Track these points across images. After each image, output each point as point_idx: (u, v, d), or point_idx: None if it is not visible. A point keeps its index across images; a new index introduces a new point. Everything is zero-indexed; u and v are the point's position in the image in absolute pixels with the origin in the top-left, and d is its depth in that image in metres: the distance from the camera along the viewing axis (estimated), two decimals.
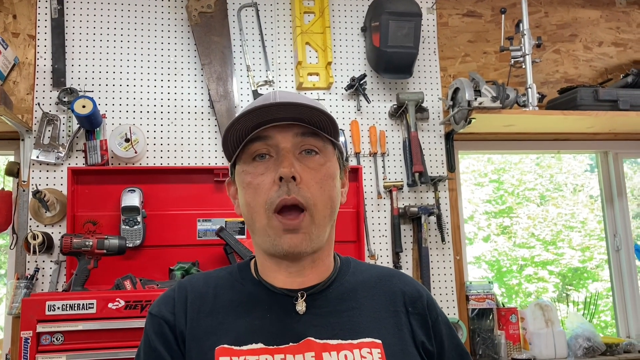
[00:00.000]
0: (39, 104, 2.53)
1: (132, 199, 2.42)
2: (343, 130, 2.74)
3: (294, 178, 0.93)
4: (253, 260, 1.06)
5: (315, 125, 0.96)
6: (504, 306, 2.79)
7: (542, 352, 2.66)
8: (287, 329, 0.95)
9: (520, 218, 6.08)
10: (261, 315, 0.97)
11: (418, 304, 1.04)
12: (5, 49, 2.48)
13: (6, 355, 2.39)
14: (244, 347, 0.92)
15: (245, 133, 0.96)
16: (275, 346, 0.93)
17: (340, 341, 0.94)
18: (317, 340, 0.93)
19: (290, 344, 0.93)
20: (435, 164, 2.82)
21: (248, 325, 0.96)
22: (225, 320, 0.97)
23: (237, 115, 0.96)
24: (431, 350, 1.02)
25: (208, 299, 1.00)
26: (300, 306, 0.97)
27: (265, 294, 0.99)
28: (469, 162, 5.43)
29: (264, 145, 0.96)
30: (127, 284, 2.15)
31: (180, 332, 0.97)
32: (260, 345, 0.93)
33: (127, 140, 2.48)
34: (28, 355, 1.86)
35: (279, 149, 0.95)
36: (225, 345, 0.93)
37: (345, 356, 0.92)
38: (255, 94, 2.69)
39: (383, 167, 2.77)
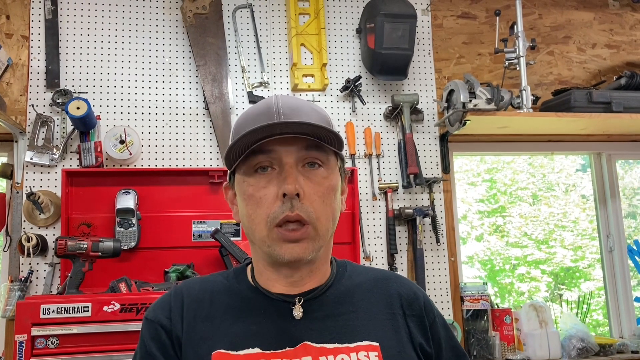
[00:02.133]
0: (32, 105, 2.52)
1: (126, 200, 2.41)
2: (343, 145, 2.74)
3: (297, 195, 0.92)
4: (249, 265, 1.06)
5: (319, 137, 0.95)
6: (498, 307, 2.80)
7: (536, 353, 2.68)
8: (284, 334, 0.95)
9: (513, 217, 6.11)
10: (258, 320, 0.97)
11: (415, 306, 1.04)
12: None
13: (0, 357, 2.38)
14: (241, 352, 0.92)
15: (248, 144, 0.94)
16: (271, 351, 0.92)
17: (337, 345, 0.94)
18: (314, 345, 0.93)
19: (287, 348, 0.93)
20: (430, 166, 2.83)
21: (245, 330, 0.95)
22: (221, 325, 0.97)
23: (239, 124, 0.95)
24: (429, 352, 1.02)
25: (204, 304, 1.00)
26: (297, 311, 0.97)
27: (261, 299, 0.99)
28: (461, 161, 5.44)
29: (266, 158, 0.94)
30: (122, 287, 2.14)
31: (176, 337, 0.97)
32: (257, 350, 0.93)
33: (121, 141, 2.47)
34: (23, 358, 1.85)
35: (283, 163, 0.94)
36: (222, 350, 0.93)
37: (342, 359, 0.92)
38: (251, 96, 2.69)
39: (378, 168, 2.77)
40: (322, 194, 0.95)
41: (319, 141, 0.95)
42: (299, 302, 0.97)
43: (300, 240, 0.93)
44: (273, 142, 0.94)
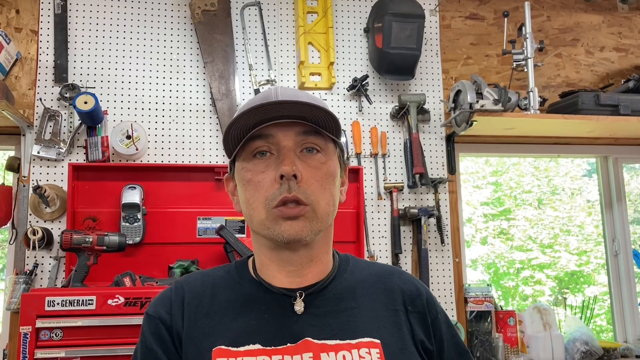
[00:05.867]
0: (40, 99, 2.53)
1: (132, 196, 2.41)
2: (344, 131, 2.75)
3: (295, 176, 0.92)
4: (251, 258, 1.06)
5: (317, 123, 0.95)
6: (502, 309, 2.79)
7: (539, 356, 2.67)
8: (285, 330, 0.94)
9: (518, 220, 6.09)
10: (259, 315, 0.96)
11: (417, 302, 1.03)
12: (8, 43, 2.47)
13: (3, 350, 2.38)
14: (241, 348, 0.92)
15: (246, 130, 0.95)
16: (272, 347, 0.92)
17: (338, 341, 0.93)
18: (315, 341, 0.93)
19: (288, 344, 0.92)
20: (435, 166, 2.83)
21: (245, 325, 0.95)
22: (222, 320, 0.96)
23: (238, 111, 0.95)
24: (431, 349, 1.01)
25: (205, 299, 0.99)
26: (299, 306, 0.96)
27: (263, 294, 0.99)
28: (466, 163, 5.43)
29: (265, 143, 0.95)
30: (127, 281, 2.14)
31: (177, 332, 0.96)
32: (257, 346, 0.92)
33: (128, 137, 2.48)
34: (27, 350, 1.85)
35: (280, 147, 0.94)
36: (223, 347, 0.92)
37: (344, 356, 0.92)
38: (257, 93, 2.69)
39: (384, 168, 2.77)
40: (321, 178, 0.95)
41: (317, 127, 0.96)
42: (300, 296, 0.97)
43: (299, 218, 0.93)
44: (271, 127, 0.94)
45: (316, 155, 0.96)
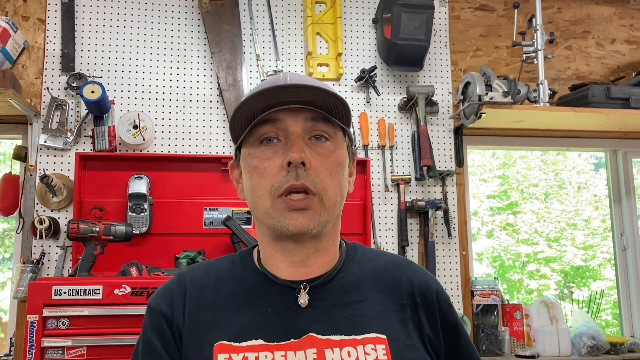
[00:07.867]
0: (47, 88, 2.52)
1: (139, 186, 2.41)
2: (352, 122, 2.73)
3: (303, 164, 0.89)
4: (256, 248, 1.03)
5: (327, 110, 0.93)
6: (508, 302, 2.78)
7: (545, 349, 2.66)
8: (289, 324, 0.92)
9: (525, 214, 6.07)
10: (262, 309, 0.94)
11: (427, 297, 1.00)
12: (15, 32, 2.46)
13: (10, 338, 2.39)
14: (244, 344, 0.89)
15: (254, 115, 0.92)
16: (275, 342, 0.89)
17: (343, 337, 0.90)
18: (319, 336, 0.90)
19: (292, 340, 0.90)
20: (443, 159, 2.81)
21: (248, 320, 0.93)
22: (225, 314, 0.94)
23: (246, 95, 0.92)
24: (437, 345, 0.98)
25: (208, 292, 0.97)
26: (303, 299, 0.93)
27: (267, 286, 0.96)
28: (473, 156, 5.40)
29: (272, 128, 0.92)
30: (133, 271, 2.14)
31: (177, 327, 0.94)
32: (260, 342, 0.90)
33: (135, 127, 2.47)
34: (34, 338, 1.86)
35: (288, 133, 0.91)
36: (225, 342, 0.90)
37: (349, 353, 0.89)
38: None
39: (391, 160, 2.76)
40: (329, 167, 0.93)
41: (326, 114, 0.93)
42: (305, 289, 0.94)
43: (306, 210, 0.90)
44: (279, 112, 0.91)
45: (325, 143, 0.94)
